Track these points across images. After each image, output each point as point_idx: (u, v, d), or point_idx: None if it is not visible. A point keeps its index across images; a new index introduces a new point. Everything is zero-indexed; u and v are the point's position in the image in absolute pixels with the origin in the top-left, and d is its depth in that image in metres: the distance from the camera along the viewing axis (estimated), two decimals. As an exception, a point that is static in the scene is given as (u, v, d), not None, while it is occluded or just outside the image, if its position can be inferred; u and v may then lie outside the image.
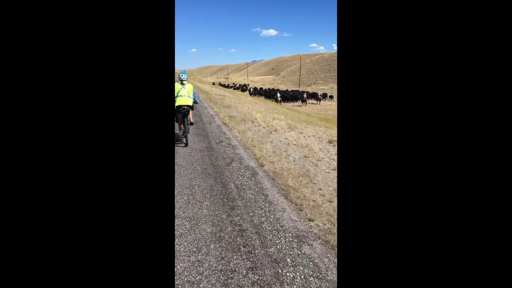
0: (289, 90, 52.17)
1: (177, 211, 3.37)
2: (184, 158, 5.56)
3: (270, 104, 26.10)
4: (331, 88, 51.92)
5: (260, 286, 2.23)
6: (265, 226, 3.09)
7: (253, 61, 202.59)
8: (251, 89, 51.10)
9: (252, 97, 38.22)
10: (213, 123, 9.26)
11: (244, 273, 2.37)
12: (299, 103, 36.45)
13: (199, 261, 2.51)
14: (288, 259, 2.56)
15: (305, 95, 35.31)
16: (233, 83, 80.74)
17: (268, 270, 2.41)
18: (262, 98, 44.30)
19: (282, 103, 36.50)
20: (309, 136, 8.14)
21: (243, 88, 63.11)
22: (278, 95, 37.07)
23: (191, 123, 6.90)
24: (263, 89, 57.39)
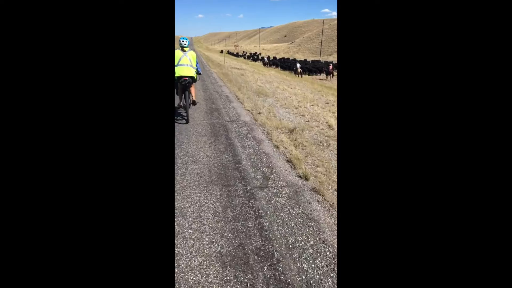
0: (308, 60, 45.27)
1: None
2: None
3: (299, 79, 20.04)
4: (354, 57, 44.43)
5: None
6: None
7: (262, 27, 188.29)
8: (265, 59, 44.20)
9: (267, 68, 31.97)
10: (276, 181, 3.11)
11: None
12: (323, 76, 30.27)
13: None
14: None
15: (331, 67, 28.95)
16: (243, 51, 72.91)
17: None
18: (278, 69, 37.92)
19: (302, 75, 30.47)
20: None
21: (254, 57, 55.87)
22: (298, 66, 30.75)
23: (194, 103, 5.68)
24: (277, 58, 50.40)
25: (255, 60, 52.04)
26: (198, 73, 5.53)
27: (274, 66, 41.28)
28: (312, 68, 32.16)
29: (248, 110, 6.52)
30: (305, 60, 45.23)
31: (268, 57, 48.96)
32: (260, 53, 60.92)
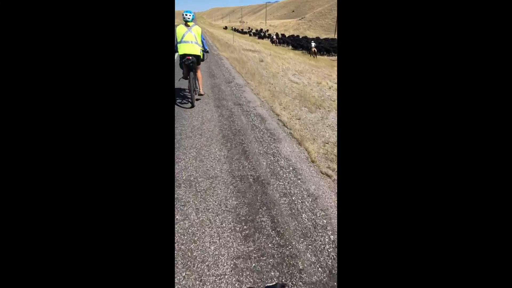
0: (321, 37, 40.39)
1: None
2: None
3: (330, 65, 16.01)
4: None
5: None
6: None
7: (268, 1, 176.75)
8: (273, 36, 39.38)
9: (284, 49, 27.73)
10: None
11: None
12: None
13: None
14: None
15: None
16: (249, 28, 67.01)
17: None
18: (290, 48, 33.46)
19: (316, 55, 26.45)
20: None
21: (260, 34, 50.68)
22: (313, 44, 26.63)
23: (200, 95, 5.13)
24: (285, 35, 45.48)
25: (261, 37, 46.97)
26: (205, 51, 4.79)
27: (285, 45, 36.63)
28: (329, 47, 27.66)
29: (329, 176, 2.77)
30: (317, 38, 40.40)
31: (277, 34, 43.90)
32: (268, 30, 55.45)
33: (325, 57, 26.66)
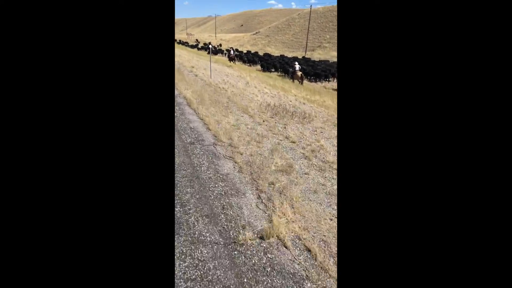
0: (287, 56, 32.55)
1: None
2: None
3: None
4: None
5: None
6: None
7: (209, 15, 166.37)
8: (231, 52, 30.18)
9: (233, 65, 18.73)
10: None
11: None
12: (332, 83, 18.30)
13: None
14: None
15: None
16: (196, 40, 56.87)
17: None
18: (259, 68, 24.76)
19: (303, 82, 17.93)
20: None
21: (209, 47, 40.98)
22: (297, 67, 18.06)
23: None
24: (242, 52, 36.83)
25: (215, 53, 37.39)
26: None
27: (248, 64, 27.80)
28: (320, 71, 19.50)
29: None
30: (281, 56, 32.49)
31: (233, 50, 34.94)
32: (220, 44, 46.04)
33: (318, 84, 18.43)
